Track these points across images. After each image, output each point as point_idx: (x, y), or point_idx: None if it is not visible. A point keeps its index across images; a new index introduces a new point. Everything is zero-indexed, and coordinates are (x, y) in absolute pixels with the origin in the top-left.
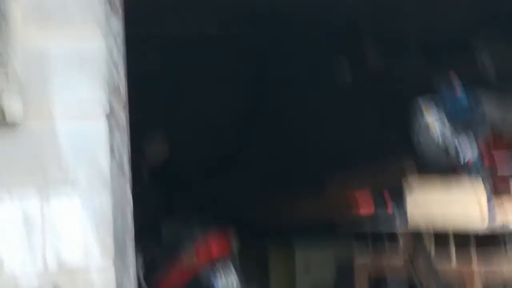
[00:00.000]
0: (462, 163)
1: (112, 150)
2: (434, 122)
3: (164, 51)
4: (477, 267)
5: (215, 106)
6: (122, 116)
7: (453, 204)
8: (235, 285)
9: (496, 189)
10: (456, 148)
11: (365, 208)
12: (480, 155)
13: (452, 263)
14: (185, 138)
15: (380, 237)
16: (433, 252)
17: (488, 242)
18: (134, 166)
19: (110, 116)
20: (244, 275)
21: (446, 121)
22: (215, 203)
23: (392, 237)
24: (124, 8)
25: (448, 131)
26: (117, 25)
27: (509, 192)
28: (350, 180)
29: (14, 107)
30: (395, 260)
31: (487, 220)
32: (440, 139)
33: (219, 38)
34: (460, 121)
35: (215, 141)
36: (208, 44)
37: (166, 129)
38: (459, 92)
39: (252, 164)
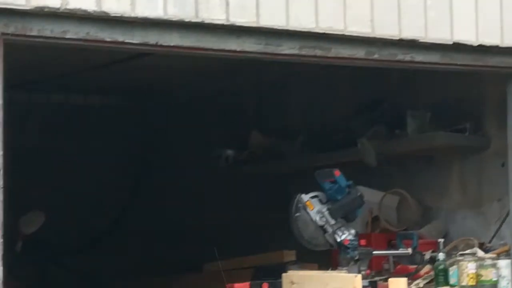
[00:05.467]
0: (339, 243)
1: None
2: (312, 204)
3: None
4: None
5: (94, 182)
6: None
7: None
8: None
9: (372, 269)
10: (333, 228)
11: None
12: (357, 236)
13: None
14: (61, 211)
15: None
16: None
17: None
18: (7, 235)
19: None
20: None
21: (324, 202)
22: (86, 279)
23: None
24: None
25: (326, 212)
26: None
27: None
28: (228, 267)
29: None
30: None
31: None
32: (317, 221)
33: (100, 109)
34: (338, 202)
35: (92, 216)
36: (88, 115)
37: (43, 201)
38: (337, 174)
39: (127, 243)
